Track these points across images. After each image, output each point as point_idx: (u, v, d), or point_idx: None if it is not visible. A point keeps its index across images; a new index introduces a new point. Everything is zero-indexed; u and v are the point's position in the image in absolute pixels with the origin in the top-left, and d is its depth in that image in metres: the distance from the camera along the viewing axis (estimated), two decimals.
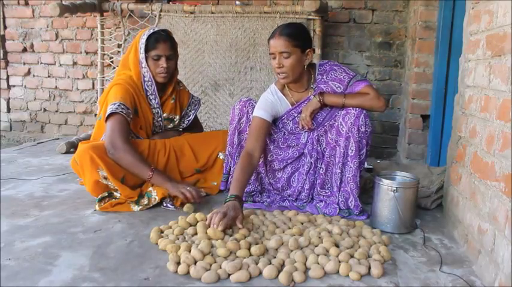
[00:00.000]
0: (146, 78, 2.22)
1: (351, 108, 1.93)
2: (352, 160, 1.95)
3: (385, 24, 3.40)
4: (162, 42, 2.17)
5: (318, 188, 2.08)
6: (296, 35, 1.95)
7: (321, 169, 2.06)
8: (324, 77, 2.07)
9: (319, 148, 2.06)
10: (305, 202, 2.09)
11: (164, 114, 2.34)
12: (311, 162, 2.08)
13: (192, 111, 2.49)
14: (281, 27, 1.99)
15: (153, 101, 2.27)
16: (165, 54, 2.18)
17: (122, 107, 2.08)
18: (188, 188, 1.98)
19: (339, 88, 2.04)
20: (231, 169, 2.24)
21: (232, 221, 1.68)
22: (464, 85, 1.84)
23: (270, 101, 2.09)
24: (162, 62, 2.18)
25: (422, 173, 2.32)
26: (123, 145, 2.02)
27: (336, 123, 1.97)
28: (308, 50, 1.98)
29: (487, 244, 1.43)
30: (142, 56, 2.19)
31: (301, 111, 2.07)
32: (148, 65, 2.19)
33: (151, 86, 2.23)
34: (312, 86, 2.08)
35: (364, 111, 1.92)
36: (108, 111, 2.07)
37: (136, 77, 2.22)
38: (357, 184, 1.97)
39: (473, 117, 1.69)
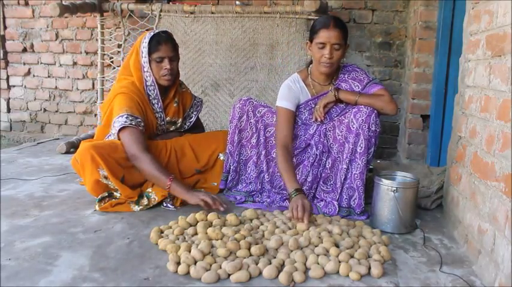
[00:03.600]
0: (148, 83, 2.20)
1: (362, 106, 1.96)
2: (360, 157, 1.95)
3: (385, 24, 3.40)
4: (164, 43, 2.16)
5: (321, 183, 2.09)
6: (346, 28, 2.03)
7: (327, 164, 2.07)
8: (346, 75, 2.13)
9: (325, 141, 2.08)
10: None
11: (167, 118, 2.33)
12: (316, 154, 2.09)
13: (194, 113, 2.49)
14: (332, 18, 2.03)
15: (156, 105, 2.25)
16: (168, 55, 2.16)
17: (131, 118, 2.07)
18: (209, 197, 1.93)
19: (357, 87, 2.10)
20: (231, 167, 2.25)
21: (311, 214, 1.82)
22: (464, 85, 1.84)
23: (293, 89, 2.14)
24: (166, 64, 2.16)
25: (422, 173, 2.32)
26: (141, 154, 2.01)
27: (346, 120, 1.99)
28: (347, 44, 2.07)
29: (487, 244, 1.43)
30: (144, 59, 2.17)
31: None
32: (151, 69, 2.18)
33: (153, 91, 2.22)
34: (333, 82, 2.13)
35: (375, 111, 1.94)
36: (118, 126, 2.05)
37: (139, 82, 2.19)
38: (363, 181, 1.97)
39: (473, 118, 1.69)
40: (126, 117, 2.06)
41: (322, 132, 2.08)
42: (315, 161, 2.10)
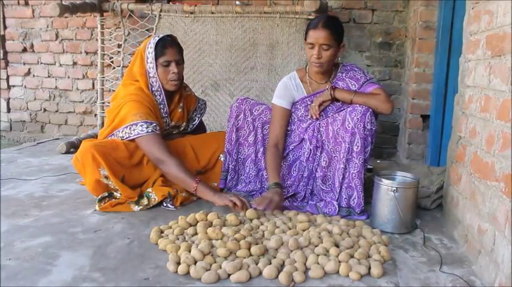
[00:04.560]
0: (154, 88, 2.19)
1: (358, 105, 1.96)
2: (357, 156, 1.95)
3: (385, 24, 3.40)
4: (170, 47, 2.14)
5: (320, 182, 2.09)
6: (337, 29, 2.03)
7: (323, 161, 2.08)
8: (343, 74, 2.15)
9: (319, 136, 2.09)
10: (304, 200, 2.10)
11: (172, 123, 2.33)
12: (310, 149, 2.11)
13: (198, 116, 2.49)
14: (323, 18, 2.04)
15: (162, 110, 2.24)
16: (174, 59, 2.15)
17: (146, 125, 2.04)
18: (238, 198, 1.91)
19: (354, 86, 2.11)
20: (230, 166, 2.26)
21: (277, 206, 1.91)
22: (464, 85, 1.84)
23: (289, 86, 2.17)
24: (173, 68, 2.14)
25: (422, 173, 2.31)
26: (166, 157, 2.00)
27: (340, 118, 1.99)
28: (342, 44, 2.06)
29: (487, 244, 1.43)
30: (150, 65, 2.14)
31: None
32: (157, 74, 2.16)
33: (159, 96, 2.20)
34: (331, 80, 2.15)
35: (370, 110, 1.94)
36: (135, 135, 2.04)
37: (145, 87, 2.17)
38: (361, 180, 1.97)
39: (473, 117, 1.69)
40: (141, 125, 2.04)
41: (316, 127, 2.10)
42: (309, 156, 2.12)
